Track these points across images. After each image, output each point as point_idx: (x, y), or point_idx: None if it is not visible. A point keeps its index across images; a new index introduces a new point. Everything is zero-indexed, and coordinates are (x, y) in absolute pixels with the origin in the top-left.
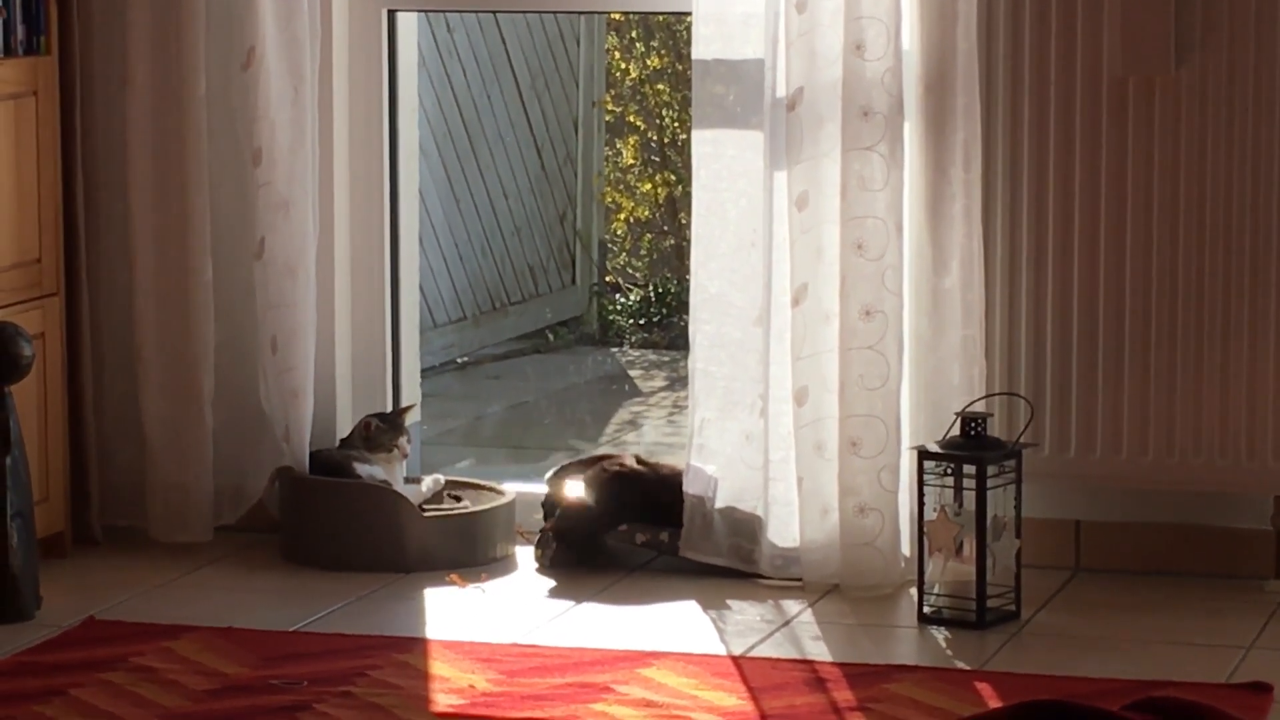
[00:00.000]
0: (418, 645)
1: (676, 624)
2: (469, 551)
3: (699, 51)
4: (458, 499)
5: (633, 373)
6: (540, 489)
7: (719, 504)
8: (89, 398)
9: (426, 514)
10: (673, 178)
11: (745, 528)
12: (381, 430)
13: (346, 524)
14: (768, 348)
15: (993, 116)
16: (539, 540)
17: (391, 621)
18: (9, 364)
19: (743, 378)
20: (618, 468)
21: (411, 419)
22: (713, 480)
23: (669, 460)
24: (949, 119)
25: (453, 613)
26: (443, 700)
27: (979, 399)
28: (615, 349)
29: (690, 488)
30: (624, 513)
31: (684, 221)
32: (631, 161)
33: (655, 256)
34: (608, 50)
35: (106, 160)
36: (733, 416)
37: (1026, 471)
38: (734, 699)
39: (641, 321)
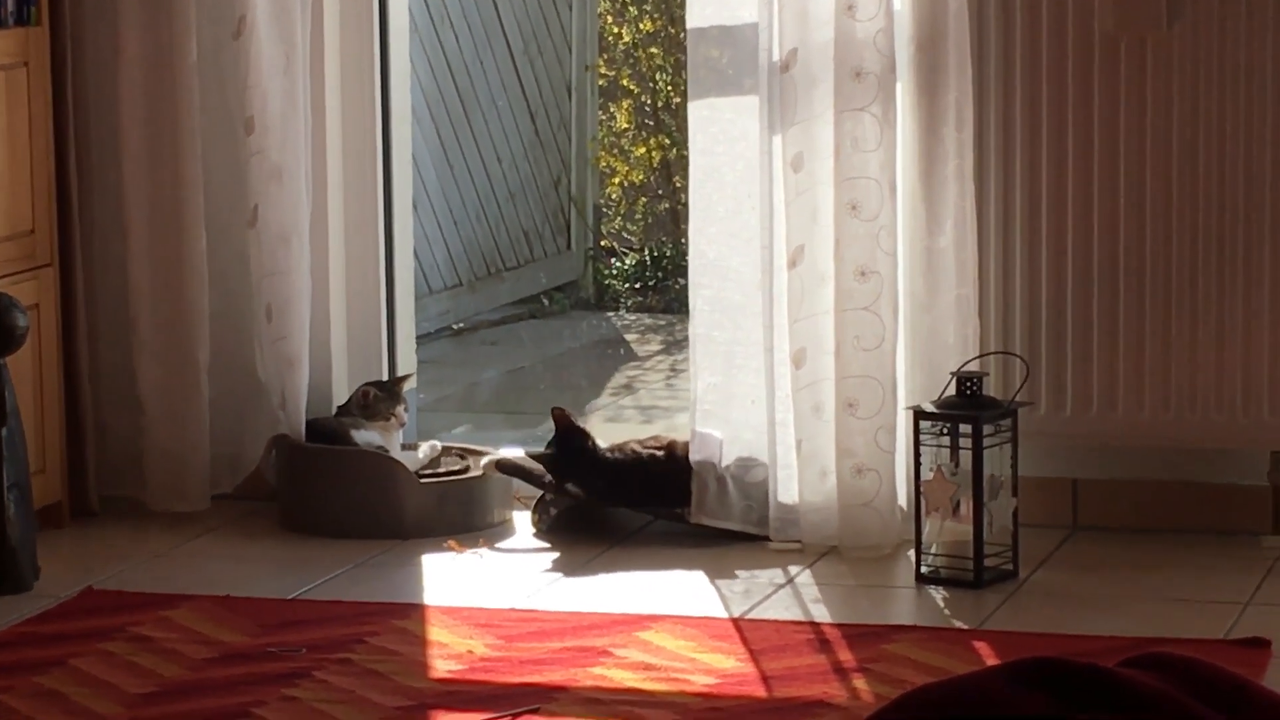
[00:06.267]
0: (416, 611)
1: (675, 587)
2: (466, 517)
3: (694, 19)
4: (461, 457)
5: (629, 337)
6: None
7: (725, 463)
8: (84, 368)
9: (424, 480)
10: (666, 141)
11: (757, 491)
12: (379, 399)
13: (344, 491)
14: (769, 310)
15: (985, 76)
16: (536, 505)
17: (390, 588)
18: (4, 336)
19: (745, 341)
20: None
21: (408, 387)
22: (719, 444)
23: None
24: (941, 79)
25: (451, 579)
26: (441, 666)
27: (974, 358)
28: (611, 313)
29: (697, 454)
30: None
31: (678, 185)
32: (625, 126)
33: (650, 220)
34: (600, 14)
35: (99, 130)
36: (736, 380)
37: (1023, 430)
38: (733, 661)
39: (637, 285)
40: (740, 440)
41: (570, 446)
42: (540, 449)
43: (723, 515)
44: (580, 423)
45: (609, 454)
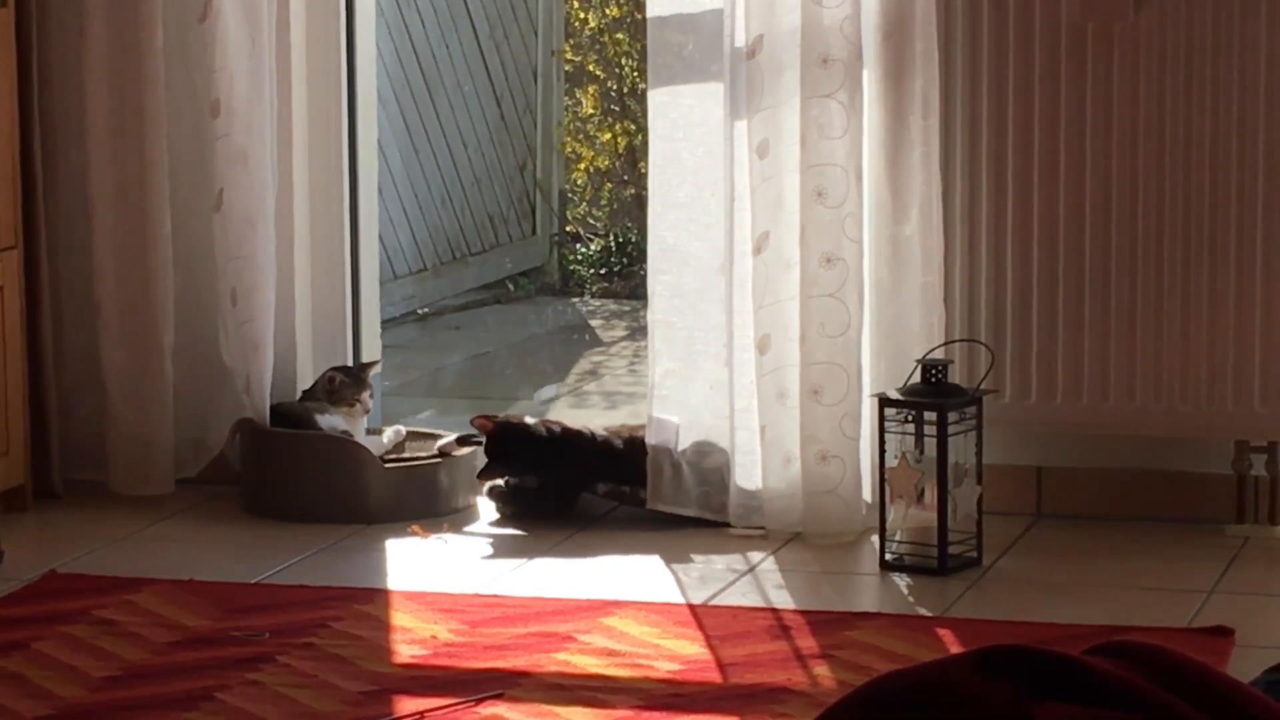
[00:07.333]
0: (379, 596)
1: (639, 573)
2: (430, 502)
3: (654, 8)
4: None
5: (593, 322)
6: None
7: (680, 448)
8: (48, 351)
9: (388, 465)
10: (632, 127)
11: (714, 477)
12: (345, 384)
13: (308, 475)
14: (731, 297)
15: (951, 64)
16: (502, 488)
17: (353, 573)
18: None
19: (705, 327)
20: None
21: (374, 373)
22: (675, 429)
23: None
24: (908, 66)
25: (414, 563)
26: (405, 651)
27: (939, 346)
28: (576, 299)
29: (653, 439)
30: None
31: (644, 171)
32: (591, 111)
33: (615, 206)
34: None
35: (64, 112)
36: (696, 367)
37: (987, 418)
38: (696, 647)
39: (602, 271)
40: (698, 426)
41: (509, 448)
42: (483, 465)
43: (678, 501)
44: (505, 417)
45: (548, 431)
